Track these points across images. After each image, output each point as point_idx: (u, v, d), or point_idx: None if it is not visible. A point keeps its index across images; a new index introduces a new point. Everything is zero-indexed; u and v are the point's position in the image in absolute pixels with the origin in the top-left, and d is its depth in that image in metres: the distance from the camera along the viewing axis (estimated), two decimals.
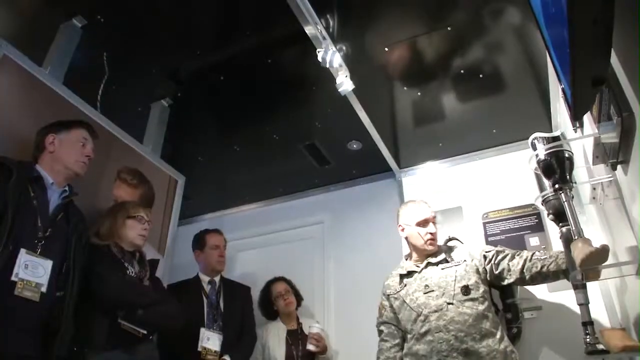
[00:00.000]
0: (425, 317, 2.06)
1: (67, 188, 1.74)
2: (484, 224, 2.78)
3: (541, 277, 2.00)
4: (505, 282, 2.09)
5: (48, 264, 1.55)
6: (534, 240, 2.62)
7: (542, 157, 1.86)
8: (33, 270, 1.50)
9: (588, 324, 1.92)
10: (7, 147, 1.70)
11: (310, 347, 2.66)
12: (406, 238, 2.33)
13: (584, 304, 1.96)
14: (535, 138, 1.94)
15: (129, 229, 2.00)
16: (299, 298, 2.98)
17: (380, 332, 2.29)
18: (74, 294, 1.62)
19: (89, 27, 2.22)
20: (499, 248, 2.19)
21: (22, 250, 1.48)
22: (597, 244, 1.60)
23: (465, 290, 2.06)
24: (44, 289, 1.51)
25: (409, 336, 2.13)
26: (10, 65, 1.82)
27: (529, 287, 2.42)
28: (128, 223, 2.00)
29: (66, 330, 1.56)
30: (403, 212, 2.37)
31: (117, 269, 1.89)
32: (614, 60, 1.26)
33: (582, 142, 1.95)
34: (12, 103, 1.83)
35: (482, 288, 2.09)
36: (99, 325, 1.75)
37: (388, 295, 2.29)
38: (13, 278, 1.44)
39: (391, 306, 2.26)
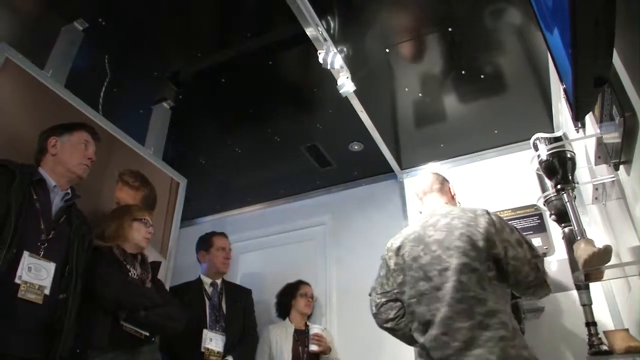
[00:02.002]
0: None
1: (69, 191, 1.75)
2: None
3: None
4: None
5: (51, 266, 1.56)
6: (536, 241, 2.61)
7: (544, 157, 1.86)
8: (36, 273, 1.50)
9: (591, 324, 1.92)
10: (9, 150, 1.70)
11: (313, 347, 2.67)
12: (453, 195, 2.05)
13: (587, 305, 1.96)
14: (537, 138, 1.95)
15: (135, 231, 2.02)
16: (312, 312, 3.01)
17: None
18: (76, 296, 1.63)
19: (90, 30, 2.22)
20: None
21: (26, 253, 1.48)
22: (599, 244, 1.59)
23: None
24: (46, 291, 1.52)
25: None
26: (12, 69, 1.83)
27: None
28: (134, 225, 2.02)
29: (69, 332, 1.56)
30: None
31: (119, 270, 1.89)
32: (616, 60, 1.26)
33: (584, 142, 1.95)
34: (14, 106, 1.84)
35: None
36: (101, 327, 1.75)
37: None
38: (16, 280, 1.44)
39: None
